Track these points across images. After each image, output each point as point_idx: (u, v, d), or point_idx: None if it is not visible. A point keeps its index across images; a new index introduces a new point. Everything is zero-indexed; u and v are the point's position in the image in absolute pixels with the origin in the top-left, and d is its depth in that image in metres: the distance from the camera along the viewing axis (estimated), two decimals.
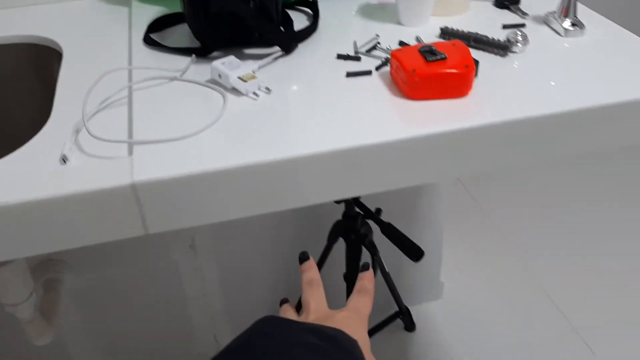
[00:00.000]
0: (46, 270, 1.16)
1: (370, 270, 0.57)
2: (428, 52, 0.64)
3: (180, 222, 0.58)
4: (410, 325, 1.49)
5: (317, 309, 0.51)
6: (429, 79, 0.62)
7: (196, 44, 0.76)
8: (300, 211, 1.28)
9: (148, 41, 0.76)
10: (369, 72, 0.69)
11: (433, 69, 0.62)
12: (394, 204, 1.29)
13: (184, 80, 0.69)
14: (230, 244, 1.30)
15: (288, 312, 0.54)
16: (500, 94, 0.65)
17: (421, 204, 1.37)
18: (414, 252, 0.98)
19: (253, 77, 0.66)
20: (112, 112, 0.65)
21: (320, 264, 1.28)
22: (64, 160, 0.58)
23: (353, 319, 0.49)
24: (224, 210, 0.59)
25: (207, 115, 0.63)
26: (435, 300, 1.58)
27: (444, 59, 0.63)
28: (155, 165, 0.55)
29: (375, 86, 0.67)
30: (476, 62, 0.64)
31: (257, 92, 0.65)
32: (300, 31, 0.76)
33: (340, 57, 0.72)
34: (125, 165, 0.55)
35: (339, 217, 1.21)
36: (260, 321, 0.44)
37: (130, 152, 0.58)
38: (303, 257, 0.58)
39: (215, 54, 0.73)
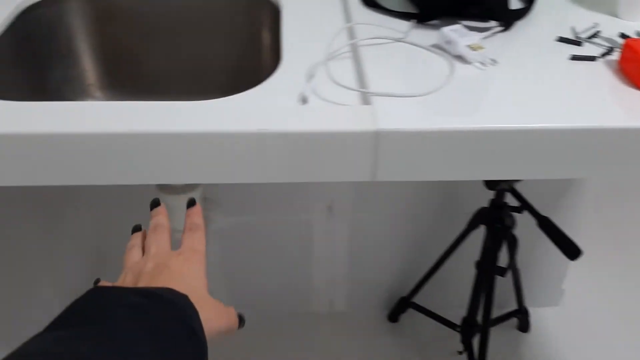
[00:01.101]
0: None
1: (198, 205, 0.56)
2: None
3: (408, 175, 0.60)
4: (525, 326, 1.47)
5: (158, 254, 0.50)
6: None
7: (409, 9, 0.78)
8: (444, 191, 1.29)
9: (367, 2, 0.79)
10: (592, 58, 0.69)
11: None
12: (536, 201, 1.26)
13: (407, 43, 0.71)
14: (366, 212, 1.33)
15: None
16: None
17: (562, 205, 1.34)
18: (572, 250, 0.97)
19: (481, 48, 0.67)
20: (339, 65, 0.68)
21: (453, 248, 1.29)
22: (304, 100, 0.62)
23: (190, 260, 0.49)
24: (447, 170, 0.60)
25: (432, 77, 0.65)
26: (553, 306, 1.54)
27: None
28: (395, 117, 0.58)
29: (600, 73, 0.67)
30: None
31: (484, 62, 0.67)
32: (519, 10, 0.76)
33: (562, 40, 0.72)
34: (368, 113, 0.58)
35: (483, 204, 1.20)
36: (88, 291, 0.42)
37: (365, 102, 0.61)
38: (154, 204, 0.56)
39: (432, 22, 0.75)
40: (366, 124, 0.57)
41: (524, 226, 1.24)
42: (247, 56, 0.95)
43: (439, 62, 0.68)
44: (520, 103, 0.61)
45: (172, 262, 0.48)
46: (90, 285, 0.44)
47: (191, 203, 0.56)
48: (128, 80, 0.97)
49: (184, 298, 0.42)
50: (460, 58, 0.68)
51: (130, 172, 0.60)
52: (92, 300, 0.41)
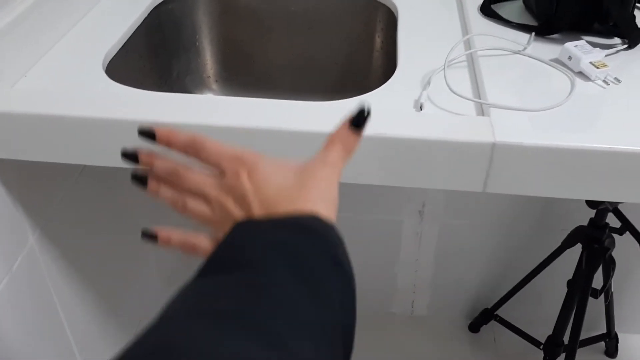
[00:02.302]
0: None
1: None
2: None
3: (519, 188, 0.61)
4: (612, 352, 1.42)
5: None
6: None
7: (528, 21, 0.78)
8: (541, 205, 1.27)
9: (485, 12, 0.79)
10: None
11: None
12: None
13: (527, 56, 0.71)
14: (456, 219, 1.33)
15: None
16: None
17: None
18: None
19: (604, 65, 0.66)
20: (456, 74, 0.69)
21: (546, 264, 1.26)
22: (420, 107, 0.63)
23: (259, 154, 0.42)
24: (559, 187, 0.60)
25: (552, 92, 0.64)
26: None
27: None
28: (513, 130, 0.58)
29: None
30: None
31: (607, 80, 0.66)
32: None
33: None
34: (486, 124, 0.59)
35: (581, 222, 1.17)
36: (234, 228, 0.40)
37: (481, 113, 0.62)
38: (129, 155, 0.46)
39: (553, 35, 0.74)
40: (484, 135, 0.58)
41: (623, 248, 1.20)
42: (357, 59, 0.98)
43: (559, 78, 0.67)
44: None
45: (258, 161, 0.42)
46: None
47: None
48: (242, 74, 1.03)
49: (331, 229, 0.40)
50: (581, 75, 0.67)
51: None
52: (240, 238, 0.39)
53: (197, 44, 0.98)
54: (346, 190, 1.43)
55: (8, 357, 0.71)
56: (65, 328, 0.85)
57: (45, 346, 0.80)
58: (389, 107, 0.64)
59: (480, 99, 0.64)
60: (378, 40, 0.94)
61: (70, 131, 0.62)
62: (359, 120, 0.43)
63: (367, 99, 0.66)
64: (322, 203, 0.41)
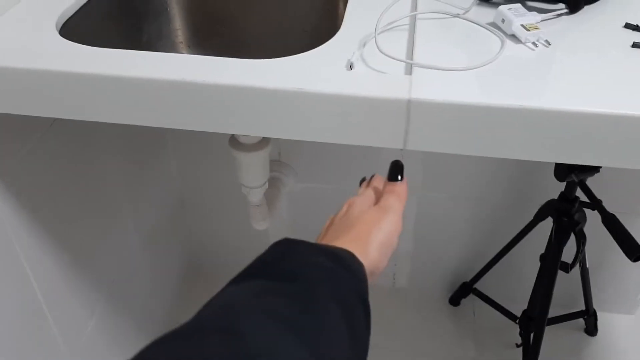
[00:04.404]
0: (274, 169, 1.31)
1: (405, 180, 0.60)
2: None
3: (439, 146, 0.62)
4: (592, 330, 1.42)
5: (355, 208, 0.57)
6: None
7: None
8: (519, 179, 1.27)
9: None
10: None
11: None
12: (615, 200, 1.20)
13: (465, 19, 0.72)
14: (436, 192, 1.34)
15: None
16: None
17: None
18: (634, 251, 0.93)
19: (536, 28, 0.66)
20: (394, 35, 0.70)
21: (519, 238, 1.26)
22: (350, 67, 0.65)
23: (382, 221, 0.56)
24: (484, 147, 0.61)
25: (482, 54, 0.65)
26: (624, 314, 1.47)
27: None
28: (431, 89, 0.60)
29: None
30: None
31: (537, 42, 0.66)
32: None
33: (628, 26, 0.69)
34: (405, 82, 0.61)
35: (553, 196, 1.17)
36: (277, 243, 0.46)
37: (409, 72, 0.64)
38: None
39: (498, 0, 0.75)
40: (400, 92, 0.59)
41: (602, 228, 1.19)
42: (324, 25, 0.99)
43: (492, 40, 0.68)
44: (561, 84, 0.60)
45: (365, 217, 0.57)
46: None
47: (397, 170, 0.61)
48: (213, 40, 1.05)
49: (361, 268, 0.47)
50: (514, 38, 0.67)
51: (204, 120, 0.66)
52: (284, 253, 0.45)
53: (168, 9, 1.00)
54: (324, 163, 1.45)
55: None
56: (32, 281, 0.89)
57: (9, 296, 0.84)
58: (321, 67, 0.66)
59: (411, 60, 0.66)
60: (341, 7, 0.96)
61: (26, 84, 0.65)
62: (395, 174, 0.61)
63: (302, 59, 0.68)
64: (355, 243, 0.51)
